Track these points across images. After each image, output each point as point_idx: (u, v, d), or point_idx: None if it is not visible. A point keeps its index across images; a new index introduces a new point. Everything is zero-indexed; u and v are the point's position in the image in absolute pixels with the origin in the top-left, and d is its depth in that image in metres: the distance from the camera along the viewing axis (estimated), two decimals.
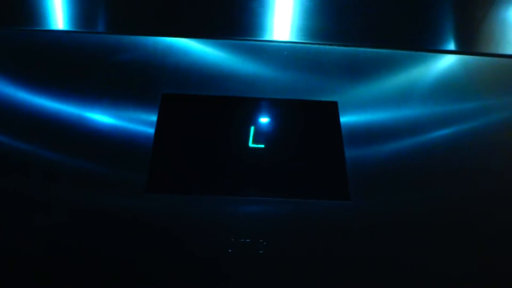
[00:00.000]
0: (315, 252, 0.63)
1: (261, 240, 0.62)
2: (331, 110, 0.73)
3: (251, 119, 0.71)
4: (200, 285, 0.61)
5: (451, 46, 0.87)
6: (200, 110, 0.71)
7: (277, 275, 0.61)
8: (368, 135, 0.71)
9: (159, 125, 0.69)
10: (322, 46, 0.79)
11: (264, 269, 0.61)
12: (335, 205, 0.66)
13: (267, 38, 0.81)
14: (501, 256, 0.66)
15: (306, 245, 0.63)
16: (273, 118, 0.72)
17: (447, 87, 0.77)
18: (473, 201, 0.68)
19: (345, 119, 0.72)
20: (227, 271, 0.61)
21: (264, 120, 0.72)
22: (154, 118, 0.70)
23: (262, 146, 0.69)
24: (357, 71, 0.77)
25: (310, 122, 0.72)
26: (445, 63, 0.80)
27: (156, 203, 0.64)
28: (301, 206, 0.65)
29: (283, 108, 0.73)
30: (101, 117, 0.69)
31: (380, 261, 0.63)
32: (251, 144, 0.69)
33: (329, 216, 0.65)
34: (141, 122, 0.69)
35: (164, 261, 0.61)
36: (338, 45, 0.80)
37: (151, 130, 0.69)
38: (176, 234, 0.63)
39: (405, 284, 0.63)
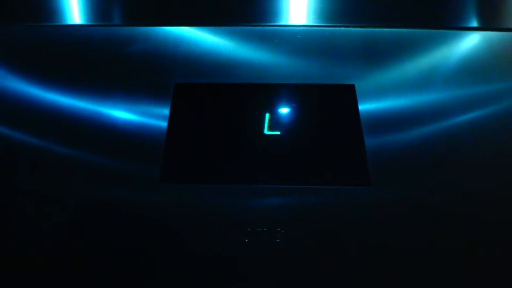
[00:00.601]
0: (334, 240, 0.61)
1: (278, 229, 0.61)
2: (349, 93, 0.70)
3: (266, 106, 0.70)
4: (217, 274, 0.59)
5: (474, 22, 0.83)
6: (214, 99, 0.70)
7: (295, 263, 0.60)
8: (388, 120, 0.68)
9: (172, 115, 0.68)
10: (337, 29, 0.77)
11: (282, 258, 0.60)
12: (355, 191, 0.63)
13: (282, 23, 0.79)
14: None
15: (325, 233, 0.61)
16: (288, 104, 0.70)
17: (470, 67, 0.74)
18: (501, 188, 0.64)
19: (364, 105, 0.69)
20: (244, 261, 0.60)
21: (279, 106, 0.70)
22: (167, 108, 0.69)
23: (278, 133, 0.68)
24: (375, 54, 0.75)
25: (327, 107, 0.70)
26: (467, 41, 0.77)
27: (172, 193, 0.63)
28: (320, 193, 0.63)
29: (298, 94, 0.71)
30: (114, 110, 0.69)
31: (399, 248, 0.61)
32: (266, 131, 0.68)
33: (349, 203, 0.63)
34: (154, 113, 0.69)
35: (181, 251, 0.60)
36: (354, 27, 0.77)
37: (164, 121, 0.68)
38: (192, 224, 0.61)
39: (423, 271, 0.60)
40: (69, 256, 0.60)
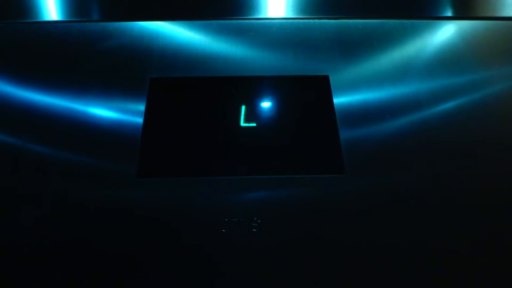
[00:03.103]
0: (310, 229, 0.62)
1: (255, 219, 0.61)
2: (323, 84, 0.71)
3: (242, 98, 0.70)
4: (196, 264, 0.60)
5: (447, 12, 0.84)
6: (189, 93, 0.70)
7: (272, 252, 0.60)
8: (362, 112, 0.69)
9: (148, 109, 0.68)
10: (311, 21, 0.78)
11: (259, 248, 0.60)
12: (330, 180, 0.64)
13: (259, 16, 0.80)
14: (501, 232, 0.63)
15: (301, 222, 0.62)
16: (264, 96, 0.71)
17: (444, 58, 0.75)
18: (473, 178, 0.65)
19: (338, 97, 0.70)
20: (221, 251, 0.60)
21: (255, 99, 0.70)
22: (143, 104, 0.69)
23: (254, 124, 0.68)
24: (349, 46, 0.75)
25: (302, 98, 0.71)
26: (440, 32, 0.78)
27: (149, 188, 0.63)
28: (296, 183, 0.64)
29: (274, 86, 0.71)
30: (90, 106, 0.69)
31: (375, 237, 0.62)
32: (242, 124, 0.68)
33: (324, 192, 0.64)
34: (130, 109, 0.69)
35: (159, 244, 0.60)
36: (328, 19, 0.78)
37: (141, 117, 0.68)
38: (169, 217, 0.62)
39: (398, 259, 0.61)
40: (48, 254, 0.60)
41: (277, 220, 0.62)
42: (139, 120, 0.68)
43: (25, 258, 0.60)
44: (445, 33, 0.78)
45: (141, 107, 0.69)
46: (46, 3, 0.83)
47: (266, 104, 0.70)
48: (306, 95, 0.71)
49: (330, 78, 0.72)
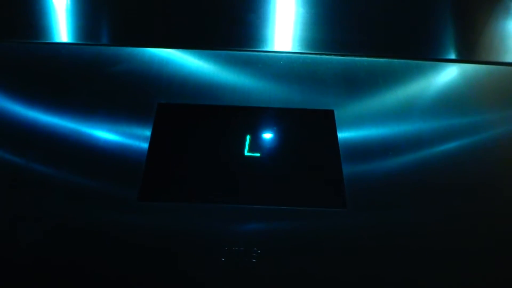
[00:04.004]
0: (309, 261, 0.61)
1: (255, 249, 0.61)
2: (328, 118, 0.72)
3: (247, 128, 0.71)
4: None
5: (451, 55, 0.86)
6: (195, 120, 0.71)
7: (270, 283, 0.60)
8: (366, 148, 0.70)
9: (154, 134, 0.69)
10: (319, 56, 0.79)
11: (258, 277, 0.60)
12: (331, 214, 0.64)
13: (267, 49, 0.81)
14: (503, 275, 0.62)
15: (301, 253, 0.62)
16: (269, 127, 0.71)
17: (447, 99, 0.76)
18: (473, 219, 0.65)
19: (342, 132, 0.71)
20: (220, 279, 0.60)
21: (260, 129, 0.71)
22: (149, 129, 0.69)
23: (258, 154, 0.69)
24: (354, 82, 0.77)
25: (306, 131, 0.71)
26: (444, 73, 0.80)
27: (150, 213, 0.63)
28: (297, 215, 0.64)
29: (279, 117, 0.72)
30: (96, 129, 0.69)
31: (372, 273, 0.61)
32: (246, 153, 0.69)
33: (325, 225, 0.63)
34: (136, 134, 0.69)
35: (157, 269, 0.60)
36: (336, 55, 0.80)
37: (146, 142, 0.68)
38: (169, 243, 0.61)
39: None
40: (47, 277, 0.59)
41: (277, 251, 0.61)
42: (145, 145, 0.68)
43: (21, 280, 0.59)
44: (449, 75, 0.80)
45: (147, 132, 0.69)
46: (59, 25, 0.84)
47: (271, 136, 0.71)
48: (311, 128, 0.72)
49: (335, 113, 0.72)
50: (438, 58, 0.83)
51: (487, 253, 0.63)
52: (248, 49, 0.80)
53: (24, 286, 0.59)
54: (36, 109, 0.71)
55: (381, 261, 0.62)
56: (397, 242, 0.63)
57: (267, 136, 0.71)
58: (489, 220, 0.65)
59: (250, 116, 0.72)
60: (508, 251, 0.63)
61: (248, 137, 0.70)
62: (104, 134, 0.69)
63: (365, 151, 0.70)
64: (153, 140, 0.68)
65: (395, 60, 0.79)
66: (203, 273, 0.60)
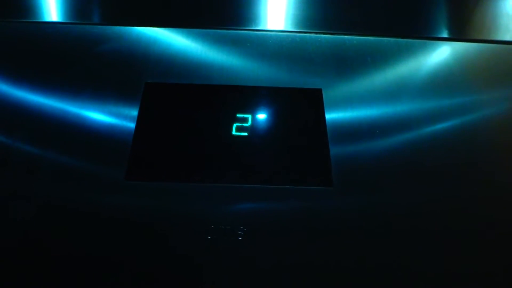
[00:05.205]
0: (295, 239, 0.62)
1: (241, 227, 0.61)
2: (316, 97, 0.72)
3: (235, 108, 0.71)
4: (178, 268, 0.60)
5: (442, 33, 0.85)
6: (183, 99, 0.71)
7: (256, 261, 0.60)
8: (354, 127, 0.70)
9: (141, 113, 0.69)
10: (308, 35, 0.79)
11: (244, 255, 0.60)
12: (317, 191, 0.64)
13: (256, 27, 0.81)
14: (489, 256, 0.62)
15: (287, 232, 0.62)
16: (257, 106, 0.71)
17: (436, 79, 0.75)
18: (461, 200, 0.65)
19: (331, 112, 0.71)
20: (206, 257, 0.60)
21: (247, 108, 0.71)
22: (136, 109, 0.69)
23: (246, 134, 0.69)
24: (343, 61, 0.76)
25: (294, 110, 0.71)
26: (434, 52, 0.79)
27: (137, 192, 0.63)
28: (284, 193, 0.64)
29: (267, 96, 0.72)
30: (83, 109, 0.69)
31: (356, 253, 0.62)
32: (234, 132, 0.69)
33: (310, 203, 0.64)
34: (123, 113, 0.69)
35: (143, 248, 0.60)
36: (326, 33, 0.79)
37: (133, 122, 0.68)
38: (156, 222, 0.62)
39: (382, 274, 0.61)
40: (33, 256, 0.59)
41: (263, 229, 0.62)
42: (132, 124, 0.68)
43: (6, 258, 0.59)
44: (439, 54, 0.79)
45: (134, 112, 0.69)
46: (46, 4, 0.83)
47: (259, 115, 0.70)
48: (299, 107, 0.71)
49: (323, 92, 0.72)
50: (429, 37, 0.82)
51: (475, 234, 0.63)
52: (240, 27, 0.80)
53: (10, 265, 0.59)
54: (22, 88, 0.70)
55: (366, 240, 0.62)
56: (383, 222, 0.63)
57: (255, 115, 0.70)
58: (477, 201, 0.65)
59: (238, 95, 0.72)
60: (495, 232, 0.64)
61: (235, 117, 0.70)
62: (91, 113, 0.69)
63: (353, 130, 0.70)
64: (140, 120, 0.68)
65: (385, 39, 0.79)
66: (190, 251, 0.60)
